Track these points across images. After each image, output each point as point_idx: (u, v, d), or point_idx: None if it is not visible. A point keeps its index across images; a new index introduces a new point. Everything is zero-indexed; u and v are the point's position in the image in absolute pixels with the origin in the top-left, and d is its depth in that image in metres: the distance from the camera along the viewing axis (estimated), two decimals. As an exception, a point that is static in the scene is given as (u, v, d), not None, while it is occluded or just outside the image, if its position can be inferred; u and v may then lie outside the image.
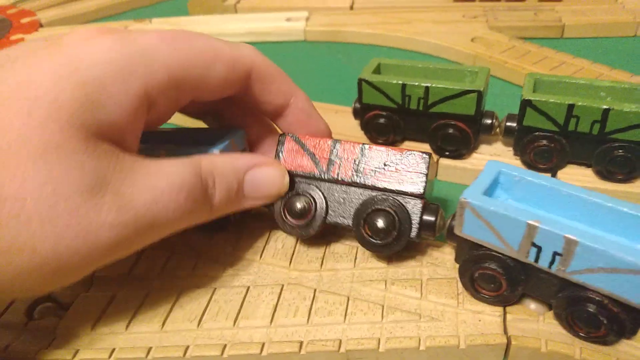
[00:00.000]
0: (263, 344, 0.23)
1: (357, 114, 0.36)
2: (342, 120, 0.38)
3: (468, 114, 0.32)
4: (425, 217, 0.24)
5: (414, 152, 0.24)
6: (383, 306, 0.24)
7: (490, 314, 0.23)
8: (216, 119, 0.30)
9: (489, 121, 0.33)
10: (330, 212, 0.26)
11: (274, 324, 0.24)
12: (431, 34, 0.51)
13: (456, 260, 0.24)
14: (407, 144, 0.36)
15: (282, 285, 0.25)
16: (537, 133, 0.31)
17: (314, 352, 0.22)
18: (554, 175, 0.32)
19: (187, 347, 0.23)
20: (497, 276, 0.22)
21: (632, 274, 0.19)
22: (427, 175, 0.24)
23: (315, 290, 0.25)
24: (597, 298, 0.20)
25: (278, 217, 0.26)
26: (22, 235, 0.18)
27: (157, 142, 0.27)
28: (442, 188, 0.34)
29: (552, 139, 0.31)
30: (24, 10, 0.66)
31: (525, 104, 0.30)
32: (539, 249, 0.20)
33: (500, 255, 0.22)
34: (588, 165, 0.32)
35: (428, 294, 0.24)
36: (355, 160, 0.25)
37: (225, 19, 0.60)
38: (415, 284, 0.25)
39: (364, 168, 0.25)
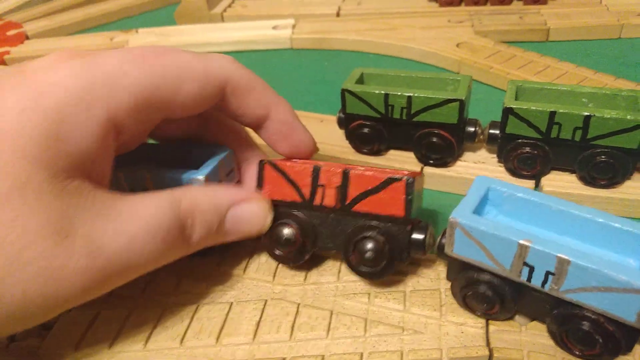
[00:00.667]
0: (246, 362, 0.23)
1: (341, 123, 0.36)
2: (328, 129, 0.38)
3: (451, 123, 0.32)
4: (414, 236, 0.24)
5: (395, 176, 0.23)
6: (366, 320, 0.24)
7: (472, 326, 0.23)
8: (196, 137, 0.29)
9: (472, 129, 0.33)
10: (318, 240, 0.25)
11: (257, 340, 0.23)
12: (417, 40, 0.51)
13: (448, 277, 0.24)
14: (392, 152, 0.36)
15: (266, 301, 0.25)
16: (520, 140, 0.31)
17: (296, 369, 0.22)
18: (537, 181, 0.32)
19: (170, 367, 0.23)
20: (489, 296, 0.22)
21: (626, 292, 0.18)
22: (411, 197, 0.23)
23: (298, 305, 0.25)
24: (591, 316, 0.20)
25: (266, 247, 0.26)
26: None
27: (143, 159, 0.27)
28: (427, 196, 0.34)
29: (535, 146, 0.31)
30: (10, 22, 0.65)
31: (507, 111, 0.30)
32: (532, 268, 0.20)
33: (492, 274, 0.22)
34: (572, 171, 0.32)
35: (411, 306, 0.24)
36: (338, 187, 0.24)
37: (212, 28, 0.60)
38: (399, 296, 0.25)
39: (348, 194, 0.24)
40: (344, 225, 0.25)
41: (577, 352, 0.21)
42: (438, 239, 0.24)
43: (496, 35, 0.52)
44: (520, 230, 0.20)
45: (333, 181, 0.24)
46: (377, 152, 0.35)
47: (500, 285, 0.21)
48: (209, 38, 0.57)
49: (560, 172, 0.32)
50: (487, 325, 0.23)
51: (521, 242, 0.20)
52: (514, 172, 0.32)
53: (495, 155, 0.33)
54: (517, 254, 0.20)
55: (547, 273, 0.20)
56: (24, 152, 0.18)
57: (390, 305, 0.25)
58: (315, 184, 0.24)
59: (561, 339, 0.22)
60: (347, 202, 0.24)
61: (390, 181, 0.23)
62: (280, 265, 0.27)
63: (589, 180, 0.31)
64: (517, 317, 0.24)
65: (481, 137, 0.33)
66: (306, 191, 0.24)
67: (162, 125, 0.24)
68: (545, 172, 0.32)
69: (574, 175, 0.32)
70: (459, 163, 0.34)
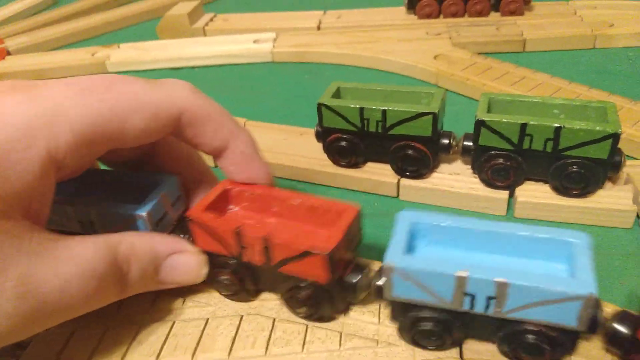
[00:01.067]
0: (221, 378, 0.23)
1: (319, 136, 0.36)
2: (307, 142, 0.38)
3: (425, 135, 0.32)
4: (347, 280, 0.23)
5: (313, 251, 0.22)
6: (341, 333, 0.24)
7: (446, 337, 0.23)
8: (146, 160, 0.28)
9: (446, 141, 0.33)
10: (259, 282, 0.25)
11: (232, 356, 0.24)
12: (396, 53, 0.52)
13: (392, 319, 0.24)
14: (370, 165, 0.36)
15: (242, 316, 0.25)
16: (493, 152, 0.31)
17: (271, 384, 0.22)
18: (512, 192, 0.33)
19: (144, 385, 0.23)
20: (436, 330, 0.22)
21: (564, 301, 0.19)
22: (329, 264, 0.22)
23: (274, 319, 0.25)
24: (534, 329, 0.21)
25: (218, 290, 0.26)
26: None
27: (85, 188, 0.26)
28: (403, 207, 0.34)
29: (508, 157, 0.31)
30: (-9, 38, 0.65)
31: (479, 124, 0.31)
32: (473, 296, 0.20)
33: (435, 309, 0.22)
34: (545, 182, 0.32)
35: (386, 319, 0.25)
36: (261, 250, 0.23)
37: (194, 42, 0.60)
38: (373, 308, 0.25)
39: (272, 257, 0.23)
40: (276, 278, 0.24)
41: None
42: (372, 283, 0.23)
43: (473, 46, 0.53)
44: (453, 259, 0.21)
45: (256, 245, 0.23)
46: (354, 165, 0.36)
47: (445, 318, 0.22)
48: (191, 52, 0.58)
49: (534, 183, 0.33)
50: (460, 336, 0.24)
51: (458, 274, 0.20)
52: (488, 183, 0.33)
53: (469, 167, 0.34)
54: (456, 286, 0.20)
55: (488, 298, 0.20)
56: None
57: (365, 318, 0.25)
58: (240, 245, 0.24)
59: (514, 355, 0.22)
60: (273, 263, 0.23)
61: (308, 254, 0.22)
62: (257, 280, 0.27)
63: (562, 190, 0.31)
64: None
65: (456, 148, 0.34)
66: (234, 250, 0.24)
67: (109, 151, 0.23)
68: (519, 183, 0.32)
69: (547, 185, 0.32)
70: (434, 174, 0.34)
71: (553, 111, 0.32)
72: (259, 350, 0.24)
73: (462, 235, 0.23)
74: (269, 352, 0.24)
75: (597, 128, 0.29)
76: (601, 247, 0.30)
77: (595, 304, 0.19)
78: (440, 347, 0.23)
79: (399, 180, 0.34)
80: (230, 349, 0.24)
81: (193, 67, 0.57)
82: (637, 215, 0.31)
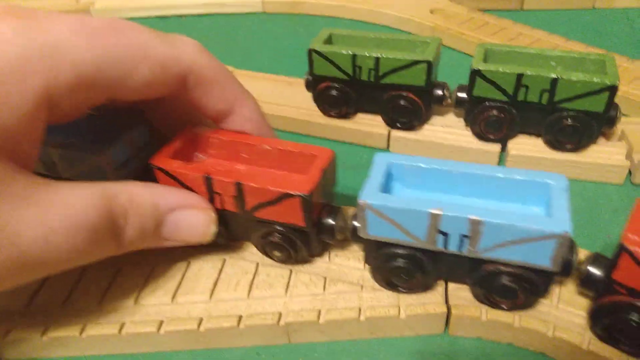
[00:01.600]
0: (201, 320, 0.22)
1: (309, 86, 0.35)
2: (296, 92, 0.37)
3: (419, 85, 0.31)
4: (324, 222, 0.23)
5: (291, 192, 0.21)
6: (326, 278, 0.24)
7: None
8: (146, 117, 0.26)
9: (440, 92, 0.32)
10: (231, 231, 0.24)
11: (214, 298, 0.23)
12: (392, 6, 0.51)
13: (366, 261, 0.24)
14: (360, 116, 0.35)
15: (225, 259, 0.25)
16: (487, 103, 0.31)
17: (253, 326, 0.22)
18: (504, 145, 0.32)
19: (123, 324, 0.22)
20: (410, 269, 0.22)
21: (538, 240, 0.19)
22: (311, 205, 0.21)
23: (257, 263, 0.25)
24: (508, 270, 0.20)
25: None
26: None
27: (54, 129, 0.24)
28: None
29: (502, 109, 0.31)
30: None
31: (475, 73, 0.30)
32: (446, 235, 0.20)
33: (408, 248, 0.21)
34: (538, 135, 0.32)
35: (371, 265, 0.24)
36: (234, 197, 0.22)
37: (183, -9, 0.58)
38: (359, 254, 0.25)
39: (246, 202, 0.22)
40: (250, 225, 0.23)
41: (505, 307, 0.22)
42: (350, 223, 0.23)
43: (471, 2, 0.51)
44: (428, 199, 0.20)
45: (228, 191, 0.22)
46: (345, 116, 0.35)
47: (418, 256, 0.21)
48: (179, 0, 0.56)
49: (527, 136, 0.32)
50: (446, 283, 0.23)
51: (432, 211, 0.19)
52: (481, 136, 0.32)
53: (462, 120, 0.33)
54: (430, 224, 0.20)
55: (462, 236, 0.20)
56: None
57: (350, 263, 0.24)
58: (211, 192, 0.22)
59: (487, 299, 0.22)
60: (247, 209, 0.22)
61: (285, 196, 0.21)
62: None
63: (555, 144, 0.31)
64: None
65: (449, 100, 0.33)
66: (204, 197, 0.23)
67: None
68: (512, 136, 0.32)
69: (540, 139, 0.32)
70: (426, 127, 0.34)
71: (550, 63, 0.31)
72: (242, 293, 0.23)
73: (439, 178, 0.22)
74: (252, 295, 0.23)
75: (595, 79, 0.28)
76: (592, 201, 0.30)
77: (569, 245, 0.19)
78: (413, 288, 0.23)
79: (389, 132, 0.34)
80: (212, 292, 0.23)
81: (181, 16, 0.55)
82: (629, 172, 0.31)
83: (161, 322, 0.22)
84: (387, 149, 0.34)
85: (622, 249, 0.19)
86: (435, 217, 0.20)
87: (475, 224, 0.19)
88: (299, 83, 0.38)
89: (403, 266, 0.22)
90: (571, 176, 0.31)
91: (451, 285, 0.23)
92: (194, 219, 0.22)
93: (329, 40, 0.34)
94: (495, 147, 0.32)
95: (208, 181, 0.22)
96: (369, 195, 0.20)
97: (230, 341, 0.23)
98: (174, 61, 0.21)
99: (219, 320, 0.22)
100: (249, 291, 0.23)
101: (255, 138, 0.24)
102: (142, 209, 0.21)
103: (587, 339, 0.21)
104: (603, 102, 0.28)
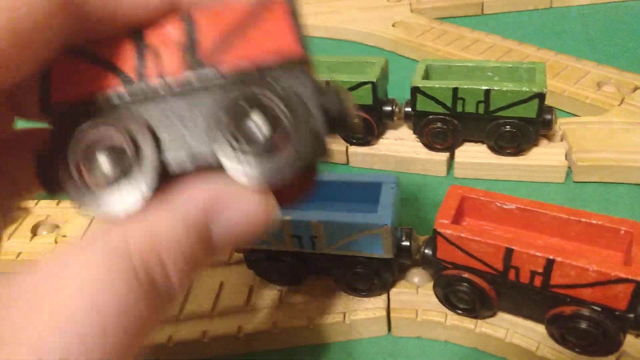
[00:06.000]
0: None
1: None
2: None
3: (367, 104, 0.34)
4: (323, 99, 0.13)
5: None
6: (281, 291, 0.26)
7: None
8: None
9: (389, 108, 0.35)
10: (165, 147, 0.13)
11: (180, 317, 0.26)
12: (356, 22, 0.53)
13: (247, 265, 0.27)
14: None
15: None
16: (430, 116, 0.33)
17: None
18: (452, 153, 0.34)
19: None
20: (284, 270, 0.26)
21: (368, 233, 0.23)
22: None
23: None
24: (358, 261, 0.24)
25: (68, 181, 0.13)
26: None
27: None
28: (355, 173, 0.36)
29: (445, 121, 0.33)
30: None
31: (415, 90, 0.32)
32: (299, 237, 0.24)
33: (277, 252, 0.25)
34: (482, 142, 0.34)
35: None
36: (182, 44, 0.13)
37: None
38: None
39: (201, 49, 0.13)
40: (209, 104, 0.13)
41: (363, 294, 0.25)
42: None
43: (433, 12, 0.53)
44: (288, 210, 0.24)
45: (171, 37, 0.14)
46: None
47: (286, 259, 0.25)
48: None
49: (473, 144, 0.34)
50: (389, 288, 0.26)
51: (283, 218, 0.23)
52: (429, 146, 0.34)
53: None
54: (285, 229, 0.24)
55: (312, 237, 0.24)
56: None
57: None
58: (142, 52, 0.13)
59: (350, 288, 0.25)
60: (205, 61, 0.13)
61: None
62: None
63: (497, 149, 0.33)
64: (417, 279, 0.26)
65: (400, 114, 0.35)
66: (130, 71, 0.13)
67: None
68: (457, 144, 0.34)
69: (484, 145, 0.34)
70: (381, 141, 0.36)
71: (487, 74, 0.33)
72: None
73: None
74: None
75: (524, 88, 0.30)
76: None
77: (408, 233, 0.24)
78: (288, 286, 0.26)
79: (347, 148, 0.36)
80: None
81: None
82: (570, 170, 0.33)
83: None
84: (347, 163, 0.37)
85: (435, 233, 0.22)
86: (286, 223, 0.23)
87: (317, 226, 0.23)
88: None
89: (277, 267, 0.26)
90: (515, 178, 0.33)
91: (394, 290, 0.25)
92: (240, 206, 0.13)
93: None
94: (443, 156, 0.34)
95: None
96: None
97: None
98: None
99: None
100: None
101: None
102: (171, 237, 0.13)
103: (541, 345, 0.23)
104: (534, 109, 0.31)
